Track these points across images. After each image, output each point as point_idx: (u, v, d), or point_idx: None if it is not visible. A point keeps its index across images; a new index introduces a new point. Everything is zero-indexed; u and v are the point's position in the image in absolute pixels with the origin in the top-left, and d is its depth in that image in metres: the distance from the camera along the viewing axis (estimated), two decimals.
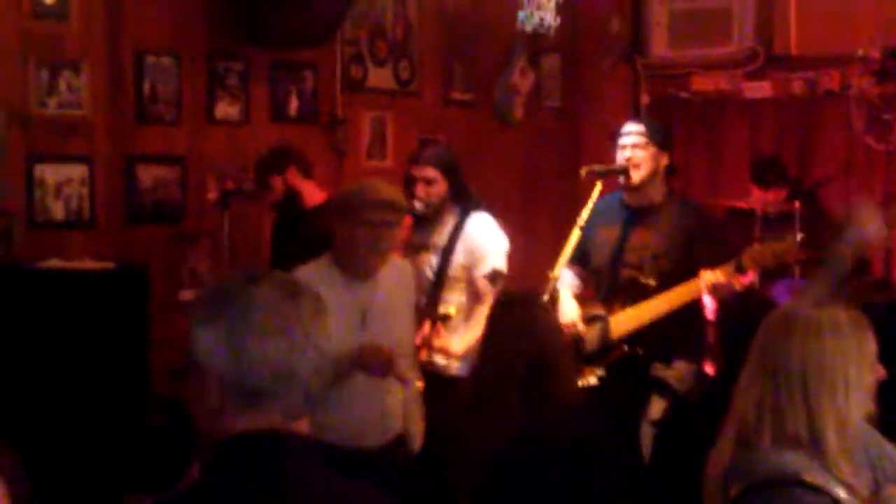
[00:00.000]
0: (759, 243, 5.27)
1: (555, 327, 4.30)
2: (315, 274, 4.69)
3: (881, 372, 3.09)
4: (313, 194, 6.49)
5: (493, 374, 4.12)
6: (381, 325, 4.77)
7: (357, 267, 4.70)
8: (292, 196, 6.50)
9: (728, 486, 3.05)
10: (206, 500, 2.14)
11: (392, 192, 4.74)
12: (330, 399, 4.70)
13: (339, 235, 4.69)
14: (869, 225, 4.11)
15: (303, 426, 2.22)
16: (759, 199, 7.55)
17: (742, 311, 5.09)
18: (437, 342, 5.43)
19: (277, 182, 6.48)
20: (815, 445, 2.95)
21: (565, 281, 5.85)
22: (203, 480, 2.19)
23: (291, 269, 4.57)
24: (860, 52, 7.92)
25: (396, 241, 4.86)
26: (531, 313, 4.21)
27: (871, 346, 3.05)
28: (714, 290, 5.26)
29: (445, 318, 5.48)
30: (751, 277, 5.54)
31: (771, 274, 7.27)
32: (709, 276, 5.26)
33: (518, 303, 4.33)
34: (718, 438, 3.16)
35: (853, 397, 2.98)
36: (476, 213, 5.82)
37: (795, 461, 2.93)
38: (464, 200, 5.81)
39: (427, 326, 5.42)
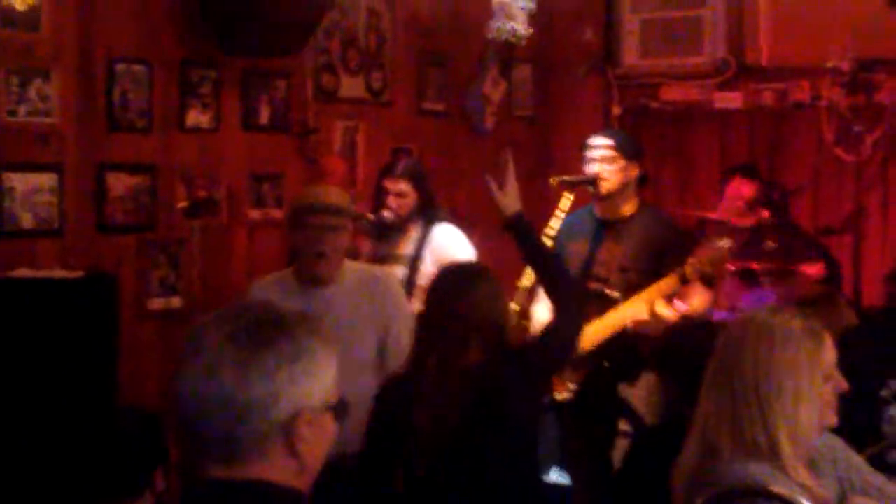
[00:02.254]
0: (694, 254, 5.30)
1: (497, 295, 4.25)
2: (273, 283, 4.81)
3: (843, 384, 3.10)
4: None
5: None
6: (335, 335, 4.81)
7: (305, 272, 4.78)
8: None
9: (693, 495, 3.06)
10: None
11: (335, 196, 4.83)
12: None
13: (290, 242, 4.78)
14: None
15: (255, 470, 2.11)
16: (731, 197, 7.52)
17: (689, 335, 5.14)
18: None
19: None
20: (772, 452, 2.97)
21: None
22: None
23: None
24: (830, 64, 7.97)
25: (342, 246, 4.88)
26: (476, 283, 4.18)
27: (826, 355, 3.07)
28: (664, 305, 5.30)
29: None
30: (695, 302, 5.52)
31: (741, 284, 7.32)
32: (660, 288, 5.31)
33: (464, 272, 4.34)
34: (683, 447, 3.18)
35: (803, 405, 3.00)
36: (441, 224, 5.88)
37: (760, 471, 2.95)
38: (429, 212, 5.87)
39: None
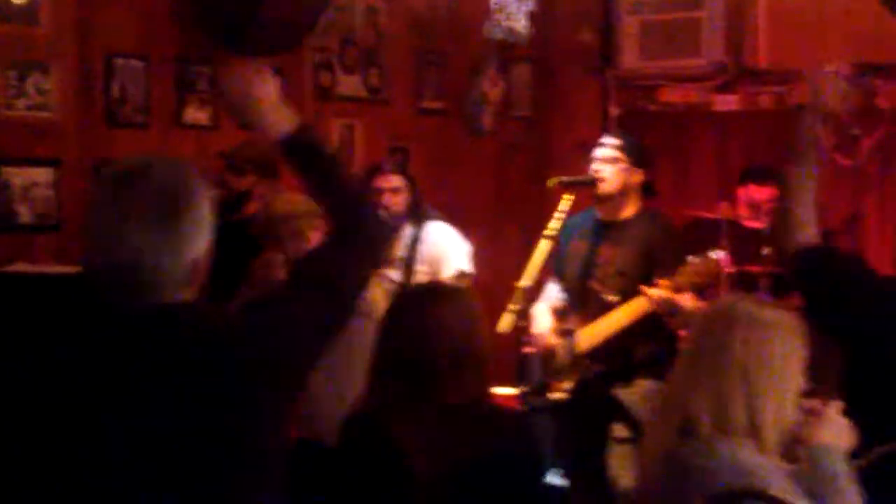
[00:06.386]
0: (684, 265, 5.31)
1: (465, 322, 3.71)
2: None
3: (804, 385, 3.12)
4: None
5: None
6: None
7: None
8: None
9: (673, 473, 3.06)
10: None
11: (292, 203, 5.15)
12: (319, 392, 4.81)
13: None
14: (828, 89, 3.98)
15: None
16: (743, 201, 7.47)
17: None
18: None
19: None
20: (752, 432, 2.98)
21: (549, 295, 5.86)
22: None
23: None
24: (829, 67, 7.96)
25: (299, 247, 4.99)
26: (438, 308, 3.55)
27: (805, 353, 3.08)
28: (658, 305, 5.29)
29: None
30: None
31: (739, 287, 7.30)
32: (651, 292, 5.29)
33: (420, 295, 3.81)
34: (649, 427, 3.19)
35: (790, 395, 3.02)
36: (431, 222, 5.84)
37: (743, 453, 2.95)
38: (418, 210, 5.84)
39: None
